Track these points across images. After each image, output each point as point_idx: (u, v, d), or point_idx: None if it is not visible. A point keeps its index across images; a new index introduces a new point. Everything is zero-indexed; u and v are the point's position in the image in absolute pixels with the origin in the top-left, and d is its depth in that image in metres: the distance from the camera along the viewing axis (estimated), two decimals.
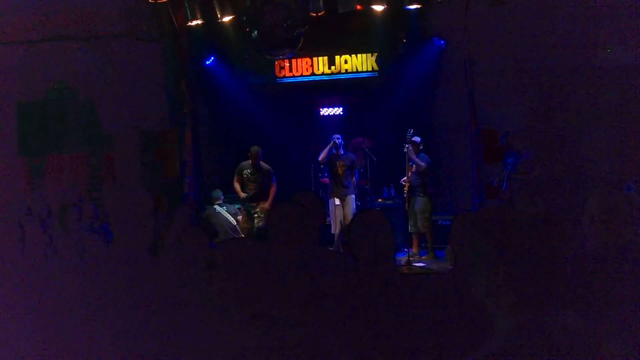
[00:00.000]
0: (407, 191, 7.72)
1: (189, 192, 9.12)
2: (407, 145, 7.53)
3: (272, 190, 7.99)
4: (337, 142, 7.99)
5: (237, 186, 8.04)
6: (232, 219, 8.46)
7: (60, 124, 8.79)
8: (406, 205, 7.75)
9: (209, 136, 9.79)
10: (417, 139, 7.80)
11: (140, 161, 8.75)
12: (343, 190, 7.99)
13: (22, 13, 8.53)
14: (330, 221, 8.12)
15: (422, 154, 7.82)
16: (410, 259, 7.39)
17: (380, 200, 8.78)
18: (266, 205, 7.92)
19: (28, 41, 8.65)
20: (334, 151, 8.03)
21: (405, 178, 7.76)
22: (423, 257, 7.85)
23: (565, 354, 1.38)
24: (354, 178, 8.15)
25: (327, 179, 9.15)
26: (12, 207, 7.61)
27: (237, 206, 8.86)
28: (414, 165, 7.69)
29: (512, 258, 1.62)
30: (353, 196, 8.08)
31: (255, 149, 8.02)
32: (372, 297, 2.41)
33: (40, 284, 2.76)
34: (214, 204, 8.60)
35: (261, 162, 8.06)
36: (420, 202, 7.81)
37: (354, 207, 8.04)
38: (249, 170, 8.05)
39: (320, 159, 8.13)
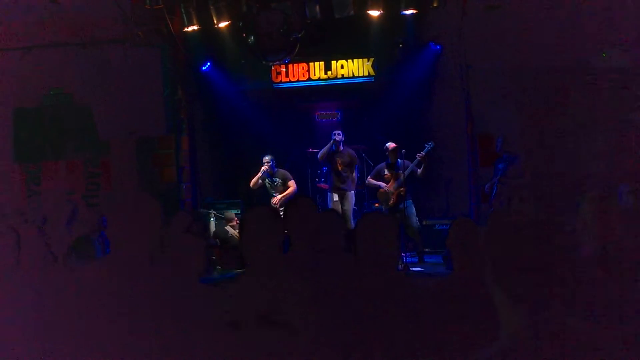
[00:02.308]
0: (397, 197, 7.70)
1: (186, 198, 9.10)
2: (423, 153, 7.59)
3: (290, 190, 8.09)
4: (337, 139, 8.02)
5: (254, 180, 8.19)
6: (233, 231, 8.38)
7: (57, 130, 8.77)
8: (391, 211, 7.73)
9: (205, 142, 9.78)
10: (391, 144, 7.82)
11: (137, 167, 8.73)
12: (342, 186, 8.03)
13: (18, 19, 8.51)
14: None
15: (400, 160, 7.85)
16: (407, 263, 7.39)
17: (377, 204, 8.78)
18: (275, 199, 8.01)
19: (23, 47, 8.63)
20: (334, 148, 8.07)
21: (390, 185, 7.74)
22: (415, 263, 7.86)
23: (567, 355, 1.38)
24: (354, 174, 8.19)
25: (324, 184, 9.17)
26: (8, 214, 7.58)
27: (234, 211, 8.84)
28: (401, 172, 7.71)
29: (511, 263, 1.62)
30: (352, 193, 8.12)
31: (265, 159, 8.11)
32: (376, 299, 2.40)
33: (37, 290, 2.75)
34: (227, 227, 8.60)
35: (277, 170, 8.17)
36: (412, 206, 7.85)
37: (353, 204, 8.08)
38: (268, 180, 8.17)
39: (319, 156, 8.17)
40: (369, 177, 8.14)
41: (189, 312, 2.46)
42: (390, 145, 7.83)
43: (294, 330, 2.28)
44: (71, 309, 2.38)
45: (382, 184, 7.87)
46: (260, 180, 8.17)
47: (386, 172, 7.87)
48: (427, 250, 8.30)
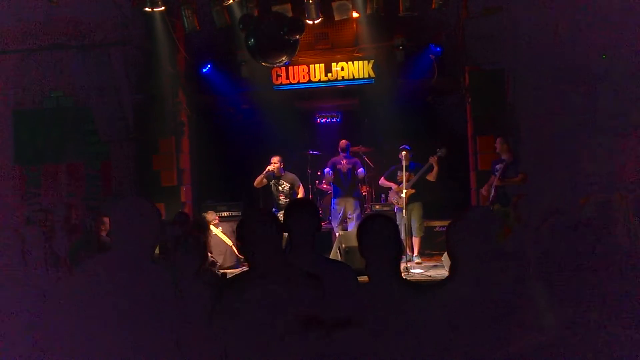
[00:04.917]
0: (407, 198, 7.72)
1: (186, 200, 9.10)
2: (435, 157, 7.70)
3: (300, 194, 7.97)
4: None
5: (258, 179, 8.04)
6: (229, 240, 8.10)
7: (57, 133, 8.77)
8: (404, 212, 7.72)
9: (205, 144, 9.78)
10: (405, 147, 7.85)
11: (137, 169, 8.73)
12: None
13: (18, 22, 8.53)
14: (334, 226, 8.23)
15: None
16: (408, 265, 7.39)
17: (377, 207, 8.78)
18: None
19: (24, 49, 8.64)
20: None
21: (402, 186, 7.75)
22: (415, 262, 7.89)
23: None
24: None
25: (324, 185, 9.21)
26: (9, 216, 7.58)
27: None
28: (411, 174, 7.77)
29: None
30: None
31: (274, 159, 7.95)
32: (382, 304, 2.40)
33: (38, 292, 2.75)
34: (210, 226, 8.43)
35: (285, 172, 8.01)
36: (421, 207, 7.92)
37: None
38: (274, 182, 8.01)
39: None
40: (382, 177, 8.19)
41: (189, 312, 2.46)
42: (404, 147, 7.87)
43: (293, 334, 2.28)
44: (73, 309, 2.38)
45: (393, 185, 7.96)
46: (265, 180, 8.03)
47: (399, 173, 7.92)
48: (426, 251, 8.33)
